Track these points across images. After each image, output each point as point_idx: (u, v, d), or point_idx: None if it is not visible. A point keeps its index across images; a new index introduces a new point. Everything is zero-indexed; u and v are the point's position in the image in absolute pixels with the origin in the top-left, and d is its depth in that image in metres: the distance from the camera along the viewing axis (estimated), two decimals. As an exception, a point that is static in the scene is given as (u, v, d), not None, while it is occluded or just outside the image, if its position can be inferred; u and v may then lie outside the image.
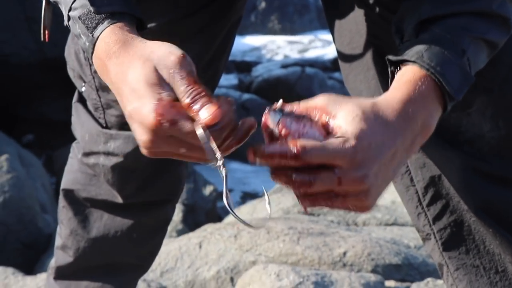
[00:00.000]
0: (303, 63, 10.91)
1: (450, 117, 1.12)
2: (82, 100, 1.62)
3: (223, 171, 0.93)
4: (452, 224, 1.35)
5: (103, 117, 1.57)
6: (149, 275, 2.85)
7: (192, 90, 0.95)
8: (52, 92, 6.94)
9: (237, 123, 0.95)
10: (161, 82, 0.96)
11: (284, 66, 10.61)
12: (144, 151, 0.99)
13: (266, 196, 1.02)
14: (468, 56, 1.08)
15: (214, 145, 0.92)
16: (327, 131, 0.96)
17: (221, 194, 5.90)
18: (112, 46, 1.02)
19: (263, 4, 15.32)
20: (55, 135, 6.61)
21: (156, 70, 0.97)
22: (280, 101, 0.96)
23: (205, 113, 0.93)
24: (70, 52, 1.56)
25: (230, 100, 0.96)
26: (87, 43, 1.06)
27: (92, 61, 1.07)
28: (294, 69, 10.08)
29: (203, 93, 0.94)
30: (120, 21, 1.05)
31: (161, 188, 1.66)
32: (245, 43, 13.49)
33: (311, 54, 13.04)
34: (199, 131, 0.92)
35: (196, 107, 0.93)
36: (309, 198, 0.95)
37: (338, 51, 1.42)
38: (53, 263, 1.79)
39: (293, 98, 1.03)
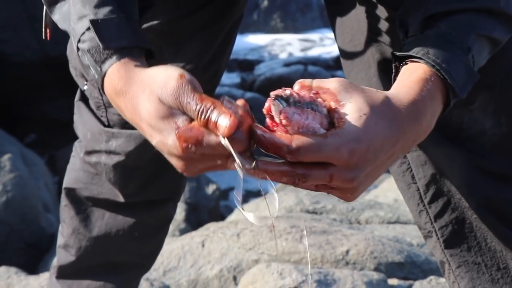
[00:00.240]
0: (306, 62, 10.90)
1: (452, 114, 1.12)
2: (84, 98, 1.62)
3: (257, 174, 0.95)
4: (454, 222, 1.34)
5: (105, 115, 1.57)
6: (152, 274, 2.85)
7: (202, 108, 0.95)
8: (55, 91, 6.95)
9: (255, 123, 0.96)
10: (171, 112, 0.97)
11: (287, 64, 10.61)
12: (185, 174, 1.01)
13: (275, 195, 1.03)
14: (473, 54, 1.08)
15: (237, 152, 0.94)
16: (330, 119, 0.96)
17: (223, 193, 5.91)
18: (117, 84, 1.03)
19: (265, 3, 15.31)
20: (58, 134, 6.62)
21: (162, 102, 0.98)
22: (289, 91, 0.95)
23: (223, 124, 0.93)
24: (72, 50, 1.56)
25: (243, 102, 0.97)
26: (96, 76, 1.07)
27: (103, 93, 1.08)
28: (296, 68, 10.08)
29: (214, 106, 0.95)
30: (128, 55, 1.05)
31: (162, 187, 1.66)
32: (248, 42, 13.49)
33: (313, 52, 13.03)
34: (224, 142, 0.93)
35: (212, 122, 0.94)
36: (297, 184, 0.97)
37: (339, 49, 1.41)
38: (55, 262, 1.79)
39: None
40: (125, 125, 1.54)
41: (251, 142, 0.95)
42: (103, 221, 1.69)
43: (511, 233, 1.30)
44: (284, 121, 0.94)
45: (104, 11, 1.08)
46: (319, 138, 0.93)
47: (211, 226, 3.19)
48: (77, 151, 1.68)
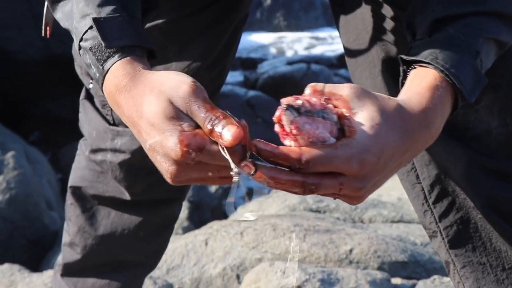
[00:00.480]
0: (309, 60, 10.88)
1: (457, 114, 1.12)
2: (89, 97, 1.62)
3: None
4: (459, 222, 1.34)
5: (110, 114, 1.58)
6: (155, 272, 2.85)
7: (211, 116, 0.96)
8: (59, 89, 6.96)
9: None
10: (178, 114, 0.97)
11: (290, 63, 10.59)
12: (170, 182, 1.01)
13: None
14: (481, 57, 1.08)
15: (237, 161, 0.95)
16: (341, 126, 0.96)
17: (226, 191, 5.91)
18: (121, 80, 1.03)
19: (268, 1, 15.30)
20: (61, 132, 6.63)
21: (171, 103, 0.97)
22: (300, 100, 0.95)
23: (228, 134, 0.94)
24: (77, 49, 1.56)
25: (243, 123, 0.97)
26: (97, 74, 1.07)
27: (102, 92, 1.08)
28: (299, 66, 10.06)
29: (222, 116, 0.96)
30: (130, 54, 1.05)
31: (169, 186, 1.66)
32: (251, 40, 13.48)
33: (316, 50, 13.02)
34: (223, 152, 0.94)
35: (217, 130, 0.95)
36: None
37: (344, 48, 1.41)
38: (60, 260, 1.79)
39: (299, 95, 1.03)
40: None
41: (247, 154, 0.95)
42: (109, 220, 1.69)
43: (517, 233, 1.30)
44: (294, 131, 0.94)
45: (107, 10, 1.08)
46: (329, 149, 0.93)
47: (215, 225, 3.19)
48: (82, 149, 1.68)
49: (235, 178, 0.95)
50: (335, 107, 0.98)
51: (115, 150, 1.58)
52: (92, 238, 1.71)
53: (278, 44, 13.94)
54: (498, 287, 1.34)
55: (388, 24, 1.30)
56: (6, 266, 3.08)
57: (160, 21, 1.46)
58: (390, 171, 0.99)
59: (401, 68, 1.09)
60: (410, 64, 1.08)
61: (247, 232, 3.00)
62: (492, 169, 1.29)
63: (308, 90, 0.99)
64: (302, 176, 0.94)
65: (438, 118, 1.03)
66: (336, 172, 0.94)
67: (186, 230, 4.47)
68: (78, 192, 1.70)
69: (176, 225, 1.78)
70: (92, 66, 1.07)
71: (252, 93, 9.19)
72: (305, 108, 0.95)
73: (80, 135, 1.69)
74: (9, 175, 4.54)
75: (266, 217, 3.21)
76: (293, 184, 0.94)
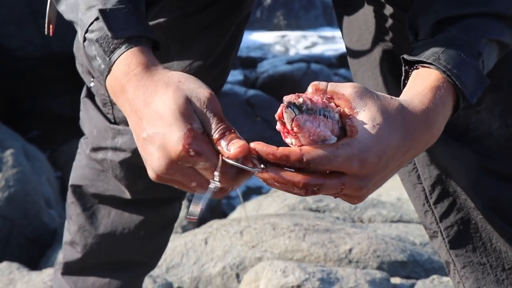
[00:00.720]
0: (309, 59, 10.87)
1: (459, 115, 1.12)
2: (90, 95, 1.62)
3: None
4: (459, 222, 1.34)
5: (111, 112, 1.57)
6: (155, 271, 2.85)
7: (222, 126, 0.97)
8: (58, 86, 6.94)
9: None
10: (192, 114, 0.98)
11: (290, 62, 10.58)
12: (153, 175, 1.01)
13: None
14: (483, 59, 1.08)
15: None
16: (342, 124, 0.96)
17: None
18: (133, 68, 1.03)
19: (268, 0, 15.30)
20: (61, 130, 6.62)
21: (189, 101, 0.98)
22: (302, 98, 0.95)
23: (233, 147, 0.95)
24: (79, 47, 1.56)
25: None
26: (102, 66, 1.07)
27: (104, 83, 1.08)
28: (299, 65, 10.05)
29: (231, 130, 0.97)
30: (137, 44, 1.06)
31: (169, 185, 1.66)
32: (251, 39, 13.48)
33: (316, 50, 13.01)
34: (230, 162, 0.96)
35: (224, 142, 0.96)
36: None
37: (347, 48, 1.41)
38: (61, 258, 1.79)
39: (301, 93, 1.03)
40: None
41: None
42: (109, 219, 1.69)
43: (517, 233, 1.31)
44: (295, 129, 0.94)
45: (112, 1, 1.09)
46: (330, 149, 0.94)
47: (214, 224, 3.19)
48: (83, 148, 1.68)
49: (211, 186, 0.97)
50: (337, 106, 0.98)
51: (115, 149, 1.58)
52: (93, 237, 1.71)
53: (278, 43, 13.94)
54: (498, 287, 1.34)
55: (391, 24, 1.30)
56: (5, 264, 3.08)
57: (162, 19, 1.46)
58: (391, 171, 0.99)
59: (403, 68, 1.09)
60: (412, 65, 1.08)
61: (246, 231, 3.00)
62: (493, 171, 1.29)
63: (310, 89, 0.99)
64: (304, 177, 0.94)
65: (439, 119, 1.03)
66: (337, 172, 0.94)
67: (185, 229, 4.47)
68: (78, 191, 1.70)
69: (175, 224, 1.78)
70: (98, 58, 1.08)
71: (251, 92, 9.18)
72: (306, 106, 0.95)
73: (80, 133, 1.69)
74: (8, 173, 4.53)
75: (265, 216, 3.21)
76: (295, 185, 0.94)
